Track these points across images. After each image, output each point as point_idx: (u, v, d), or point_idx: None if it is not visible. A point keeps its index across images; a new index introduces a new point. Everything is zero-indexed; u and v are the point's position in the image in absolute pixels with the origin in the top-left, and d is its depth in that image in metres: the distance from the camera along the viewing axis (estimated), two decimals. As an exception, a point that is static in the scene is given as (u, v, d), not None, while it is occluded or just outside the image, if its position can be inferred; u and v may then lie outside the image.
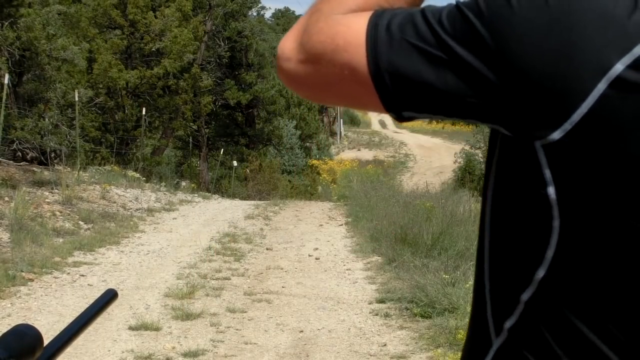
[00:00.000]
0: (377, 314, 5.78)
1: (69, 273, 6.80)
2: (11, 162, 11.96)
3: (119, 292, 1.11)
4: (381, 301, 6.17)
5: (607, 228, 0.70)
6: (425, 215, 9.12)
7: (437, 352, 4.73)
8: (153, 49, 19.92)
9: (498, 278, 0.79)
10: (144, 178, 15.57)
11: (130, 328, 5.15)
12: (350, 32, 0.75)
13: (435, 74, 0.71)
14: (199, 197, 15.53)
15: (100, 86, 18.66)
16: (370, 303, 6.18)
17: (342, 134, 46.26)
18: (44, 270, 6.70)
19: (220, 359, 4.69)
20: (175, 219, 11.22)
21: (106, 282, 6.57)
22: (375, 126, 51.53)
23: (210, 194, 17.86)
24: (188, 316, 5.51)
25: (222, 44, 25.67)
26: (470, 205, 10.26)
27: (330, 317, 5.75)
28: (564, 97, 0.68)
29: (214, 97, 24.84)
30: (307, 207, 14.00)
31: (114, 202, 11.56)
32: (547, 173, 0.70)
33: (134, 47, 20.42)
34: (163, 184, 15.69)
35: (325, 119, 45.03)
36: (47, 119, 12.48)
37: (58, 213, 9.52)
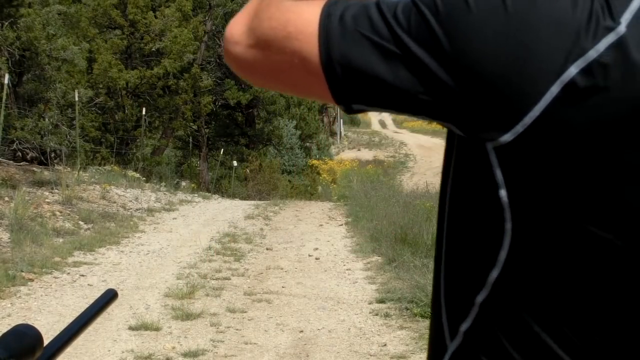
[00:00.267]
0: (377, 314, 5.77)
1: (69, 273, 6.80)
2: (11, 162, 11.96)
3: (119, 292, 1.11)
4: (381, 301, 6.16)
5: (559, 231, 0.69)
6: (425, 215, 9.12)
7: (437, 352, 4.72)
8: (153, 49, 19.91)
9: (453, 280, 0.79)
10: (144, 178, 15.57)
11: (130, 328, 5.15)
12: (302, 20, 0.73)
13: (387, 69, 0.70)
14: (199, 197, 15.53)
15: (100, 86, 18.66)
16: (370, 303, 6.18)
17: (342, 134, 46.25)
18: (44, 270, 6.70)
19: (220, 359, 4.69)
20: (175, 219, 11.22)
21: (106, 282, 6.56)
22: (375, 126, 51.51)
23: (210, 194, 17.85)
24: (188, 316, 5.51)
25: (222, 44, 25.62)
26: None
27: (330, 317, 5.75)
28: (516, 100, 0.67)
29: (214, 97, 24.83)
30: (307, 207, 14.00)
31: (114, 202, 11.56)
32: (499, 175, 0.70)
33: (134, 47, 20.41)
34: (163, 184, 15.69)
35: (325, 119, 45.01)
36: (47, 119, 12.48)
37: (58, 213, 9.52)
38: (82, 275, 6.76)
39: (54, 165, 12.19)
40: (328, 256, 8.41)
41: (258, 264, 7.84)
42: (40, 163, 12.45)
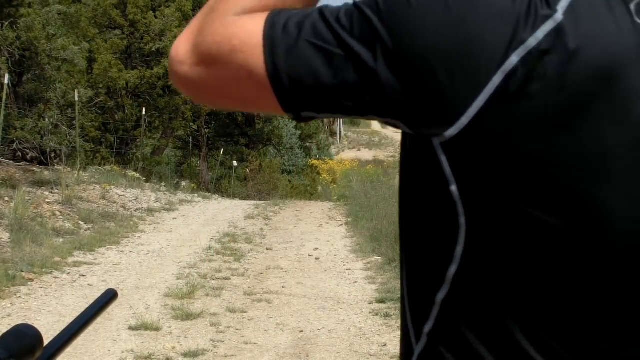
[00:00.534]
0: (377, 314, 5.77)
1: (69, 273, 6.80)
2: (11, 162, 11.96)
3: (119, 292, 1.11)
4: (381, 301, 6.16)
5: (509, 220, 0.70)
6: (425, 215, 9.10)
7: (437, 352, 4.72)
8: (153, 49, 19.91)
9: (414, 280, 0.79)
10: (144, 178, 15.57)
11: (130, 328, 5.15)
12: (246, 32, 0.73)
13: (332, 72, 0.70)
14: (199, 197, 15.53)
15: (100, 86, 18.66)
16: (370, 303, 6.18)
17: (342, 134, 46.25)
18: (44, 270, 6.70)
19: (220, 359, 4.68)
20: (175, 219, 11.22)
21: (106, 282, 6.56)
22: (375, 126, 51.49)
23: (210, 194, 17.85)
24: (188, 316, 5.51)
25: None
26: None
27: (330, 317, 5.75)
28: (459, 92, 0.68)
29: (214, 97, 24.81)
30: (307, 207, 14.00)
31: (114, 202, 11.56)
32: (448, 170, 0.70)
33: (134, 47, 20.42)
34: (163, 184, 15.69)
35: (326, 119, 45.02)
36: (47, 119, 12.48)
37: (58, 213, 9.52)
38: (82, 275, 6.76)
39: (54, 165, 12.19)
40: (328, 256, 8.41)
41: (258, 264, 7.84)
42: (40, 163, 12.45)
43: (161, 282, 6.65)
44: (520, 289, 0.71)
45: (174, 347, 4.81)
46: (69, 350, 0.98)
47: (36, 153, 12.47)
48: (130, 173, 14.80)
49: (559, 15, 0.67)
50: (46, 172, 11.65)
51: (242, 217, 11.79)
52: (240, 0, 0.76)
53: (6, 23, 11.81)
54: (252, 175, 23.08)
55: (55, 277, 6.59)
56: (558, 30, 0.67)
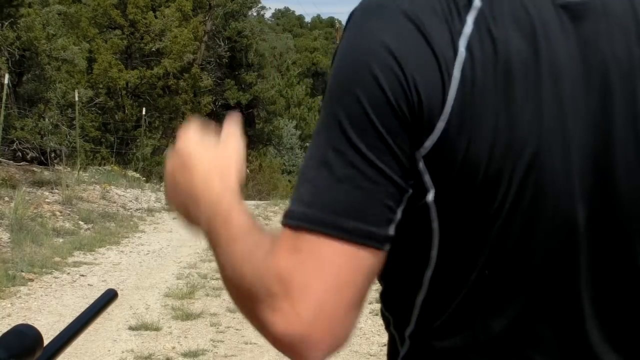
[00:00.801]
0: (377, 314, 5.77)
1: (69, 273, 6.80)
2: (11, 162, 11.96)
3: (119, 292, 1.11)
4: (381, 301, 6.16)
5: (474, 221, 0.72)
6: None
7: (437, 352, 4.73)
8: (153, 49, 19.93)
9: (393, 286, 0.81)
10: (144, 178, 15.57)
11: (130, 328, 5.15)
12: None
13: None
14: (199, 197, 15.52)
15: (100, 86, 18.66)
16: (370, 303, 6.17)
17: (342, 134, 46.26)
18: (44, 270, 6.70)
19: (220, 359, 4.68)
20: (176, 218, 11.20)
21: (106, 282, 6.56)
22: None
23: (210, 194, 17.83)
24: (188, 316, 5.51)
25: (222, 44, 25.66)
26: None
27: (330, 317, 5.75)
28: (432, 98, 0.69)
29: (214, 97, 24.84)
30: (307, 207, 14.00)
31: (114, 202, 11.57)
32: (428, 179, 0.71)
33: (134, 47, 20.43)
34: (163, 184, 15.68)
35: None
36: (47, 119, 12.49)
37: (58, 213, 9.52)
38: (82, 275, 6.76)
39: (54, 165, 12.19)
40: (328, 256, 8.41)
41: (258, 264, 7.83)
42: (40, 163, 12.45)
43: (161, 282, 6.65)
44: (488, 285, 0.74)
45: (174, 347, 4.82)
46: (69, 350, 0.98)
47: (36, 153, 12.47)
48: (130, 173, 14.81)
49: (477, 3, 0.71)
50: (46, 172, 11.65)
51: (242, 217, 11.79)
52: (258, 246, 0.74)
53: (6, 23, 11.81)
54: (252, 175, 23.10)
55: (55, 277, 6.59)
56: (481, 16, 0.70)
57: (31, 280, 6.35)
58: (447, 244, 0.73)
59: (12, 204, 8.57)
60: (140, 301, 5.93)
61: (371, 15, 0.72)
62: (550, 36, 0.71)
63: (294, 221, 0.70)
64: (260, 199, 18.27)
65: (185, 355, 4.67)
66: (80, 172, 12.73)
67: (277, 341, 0.70)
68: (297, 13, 73.42)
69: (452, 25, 0.70)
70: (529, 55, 0.70)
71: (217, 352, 4.78)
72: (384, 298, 0.83)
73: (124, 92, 19.80)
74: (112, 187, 12.45)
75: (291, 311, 0.68)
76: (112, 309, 5.18)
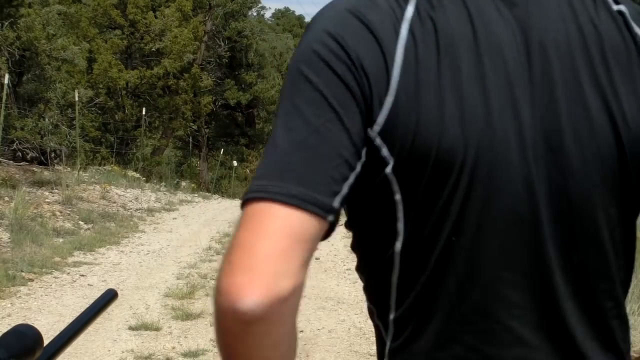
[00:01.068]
0: (377, 314, 5.78)
1: (69, 273, 6.80)
2: (11, 162, 11.96)
3: (119, 292, 1.11)
4: (381, 301, 6.17)
5: (437, 197, 0.76)
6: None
7: (437, 352, 4.72)
8: (153, 49, 19.92)
9: (369, 268, 0.85)
10: (144, 178, 15.57)
11: (130, 328, 5.15)
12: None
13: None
14: (199, 197, 15.53)
15: (100, 86, 18.65)
16: (370, 303, 6.19)
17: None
18: (44, 270, 6.70)
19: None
20: (175, 219, 11.22)
21: (106, 282, 6.56)
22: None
23: (210, 194, 17.86)
24: (188, 316, 5.51)
25: (222, 44, 25.66)
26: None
27: (330, 317, 5.75)
28: (380, 76, 0.75)
29: (214, 97, 24.83)
30: (307, 207, 13.98)
31: (114, 202, 11.56)
32: (386, 152, 0.75)
33: (134, 47, 20.42)
34: (163, 184, 15.70)
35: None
36: (47, 119, 12.49)
37: (58, 213, 9.52)
38: (82, 275, 6.76)
39: (54, 165, 12.19)
40: (328, 256, 8.41)
41: (258, 264, 7.83)
42: (40, 163, 12.45)
43: (161, 282, 6.65)
44: (454, 257, 0.78)
45: (174, 347, 4.82)
46: (69, 350, 0.98)
47: (36, 153, 12.46)
48: (130, 173, 14.81)
49: None
50: (46, 172, 11.65)
51: (242, 217, 11.77)
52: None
53: (6, 23, 11.81)
54: (252, 175, 23.10)
55: (55, 277, 6.59)
56: (420, 4, 0.78)
57: (31, 280, 6.35)
58: (412, 215, 0.77)
59: (12, 204, 8.57)
60: (140, 301, 5.93)
61: (320, 15, 0.80)
62: (487, 19, 0.78)
63: (248, 194, 0.76)
64: (260, 199, 18.24)
65: (185, 355, 4.67)
66: (80, 172, 12.73)
67: (220, 296, 0.72)
68: (297, 13, 73.36)
69: (395, 14, 0.77)
70: (468, 34, 0.77)
71: (217, 352, 4.77)
72: (366, 290, 0.89)
73: (124, 92, 19.79)
74: (112, 187, 12.45)
75: (233, 268, 0.71)
76: (112, 309, 5.18)
